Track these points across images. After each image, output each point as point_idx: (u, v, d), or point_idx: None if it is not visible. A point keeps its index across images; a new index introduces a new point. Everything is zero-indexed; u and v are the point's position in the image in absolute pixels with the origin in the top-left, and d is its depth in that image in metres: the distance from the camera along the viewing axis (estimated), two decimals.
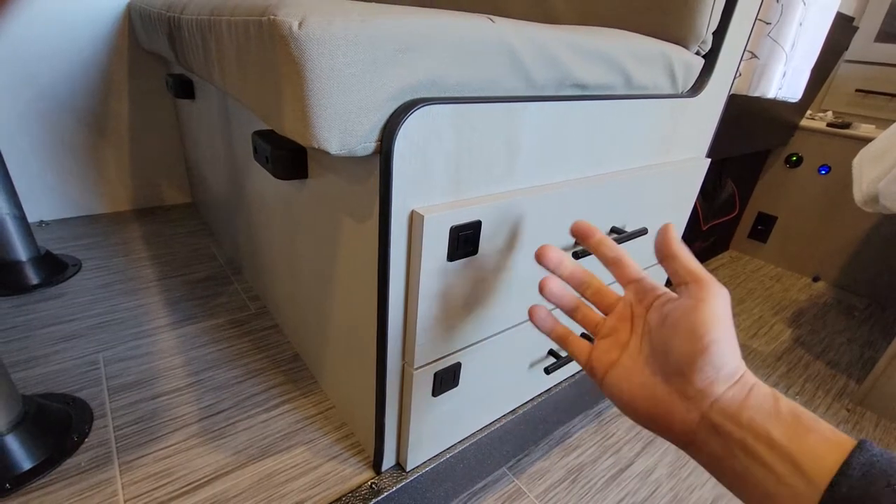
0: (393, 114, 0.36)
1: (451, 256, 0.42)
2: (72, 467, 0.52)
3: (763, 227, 1.67)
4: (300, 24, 0.31)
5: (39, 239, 0.91)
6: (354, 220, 0.45)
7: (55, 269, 0.86)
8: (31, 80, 0.96)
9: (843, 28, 1.34)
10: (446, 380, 0.51)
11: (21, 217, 0.82)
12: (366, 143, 0.36)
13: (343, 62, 0.32)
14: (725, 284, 1.49)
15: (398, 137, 0.35)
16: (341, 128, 0.34)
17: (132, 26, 1.01)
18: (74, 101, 1.02)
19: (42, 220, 1.06)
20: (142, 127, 1.12)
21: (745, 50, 0.68)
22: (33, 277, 0.83)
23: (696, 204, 1.32)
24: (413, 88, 0.36)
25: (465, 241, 0.42)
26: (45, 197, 1.05)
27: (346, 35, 0.31)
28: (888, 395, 1.00)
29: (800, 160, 1.54)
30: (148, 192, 1.19)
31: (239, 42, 0.40)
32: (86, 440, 0.55)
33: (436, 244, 0.41)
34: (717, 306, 0.30)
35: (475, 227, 0.42)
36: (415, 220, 0.40)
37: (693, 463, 0.87)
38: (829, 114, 1.62)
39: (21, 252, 0.82)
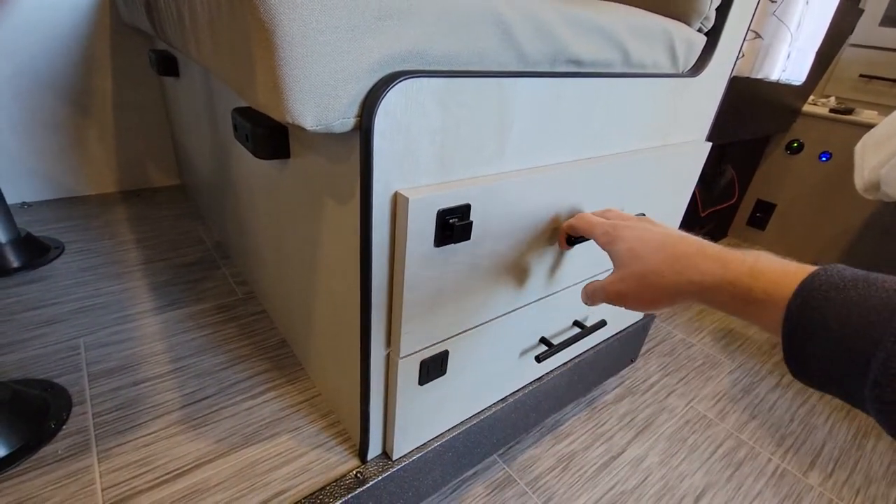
0: (373, 87, 0.33)
1: (439, 241, 0.40)
2: (48, 455, 0.50)
3: (762, 214, 1.65)
4: None
5: (20, 221, 0.89)
6: (336, 201, 0.43)
7: (36, 251, 0.84)
8: (7, 56, 0.92)
9: (848, 10, 1.31)
10: (433, 368, 0.49)
11: None
12: (344, 119, 0.33)
13: (317, 28, 0.29)
14: None
15: (379, 112, 0.33)
16: (317, 101, 0.32)
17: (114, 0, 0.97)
18: (54, 79, 0.98)
19: (24, 202, 1.04)
20: (127, 105, 1.08)
21: (748, 29, 0.65)
22: (13, 260, 0.80)
23: (694, 190, 1.30)
24: (395, 59, 0.34)
25: (453, 225, 0.40)
26: (27, 178, 1.02)
27: None
28: None
29: (801, 147, 1.51)
30: (134, 173, 1.16)
31: (210, 9, 0.38)
32: (63, 427, 0.54)
33: (422, 228, 0.39)
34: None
35: (464, 210, 0.40)
36: (399, 202, 0.38)
37: (684, 452, 0.86)
38: (832, 99, 1.59)
39: (0, 234, 0.80)
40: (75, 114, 1.03)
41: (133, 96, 1.08)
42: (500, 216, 0.44)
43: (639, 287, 0.38)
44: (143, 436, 0.54)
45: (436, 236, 0.40)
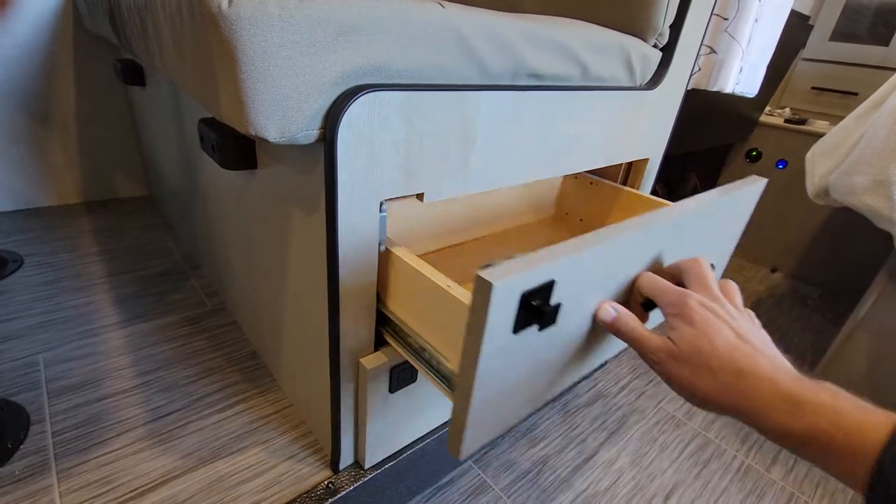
0: (336, 100, 0.34)
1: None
2: (5, 476, 0.49)
3: None
4: (230, 2, 0.29)
5: None
6: (303, 211, 0.43)
7: None
8: None
9: (798, 26, 1.38)
10: (403, 376, 0.50)
11: None
12: (308, 131, 0.34)
13: (277, 43, 0.30)
14: None
15: (342, 125, 0.34)
16: (280, 114, 0.32)
17: (76, 6, 0.95)
18: (14, 86, 0.95)
19: None
20: (91, 114, 1.06)
21: (702, 44, 0.69)
22: None
23: (659, 196, 1.35)
24: (357, 74, 0.35)
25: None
26: None
27: (282, 15, 0.30)
28: (838, 381, 1.05)
29: (759, 155, 1.59)
30: (99, 183, 1.13)
31: (173, 22, 0.38)
32: (21, 447, 0.52)
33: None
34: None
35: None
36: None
37: (654, 452, 0.89)
38: (787, 110, 1.67)
39: None
40: (35, 123, 1.00)
41: (98, 105, 1.06)
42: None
43: (689, 383, 0.32)
44: (106, 453, 0.52)
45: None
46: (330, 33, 0.32)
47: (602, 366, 0.97)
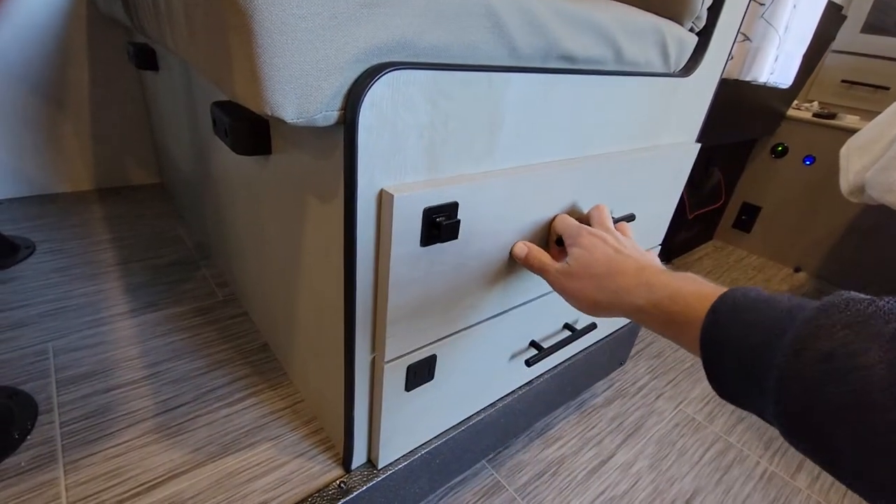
0: (358, 78, 0.32)
1: (425, 241, 0.39)
2: (10, 467, 0.47)
3: (747, 216, 1.67)
4: None
5: None
6: (319, 199, 0.41)
7: (5, 251, 0.80)
8: None
9: (832, 16, 1.33)
10: (420, 373, 0.48)
11: None
12: (327, 112, 0.32)
13: (297, 14, 0.27)
14: (709, 274, 1.49)
15: (363, 105, 0.31)
16: (298, 91, 0.30)
17: None
18: (28, 70, 0.94)
19: None
20: (105, 100, 1.05)
21: (738, 31, 0.65)
22: None
23: (682, 192, 1.30)
24: (381, 50, 0.32)
25: (440, 224, 0.38)
26: None
27: None
28: None
29: (785, 150, 1.53)
30: (112, 170, 1.12)
31: None
32: (28, 437, 0.51)
33: (407, 227, 0.37)
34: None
35: (451, 209, 0.39)
36: (384, 200, 0.36)
37: (673, 455, 0.86)
38: (816, 104, 1.61)
39: None
40: (50, 108, 0.99)
41: (111, 91, 1.05)
42: (489, 215, 0.43)
43: (578, 292, 0.40)
44: (114, 446, 0.51)
45: (422, 235, 0.38)
46: (353, 4, 0.29)
47: (620, 365, 0.94)
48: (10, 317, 0.67)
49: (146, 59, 0.82)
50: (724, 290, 0.31)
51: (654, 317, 0.34)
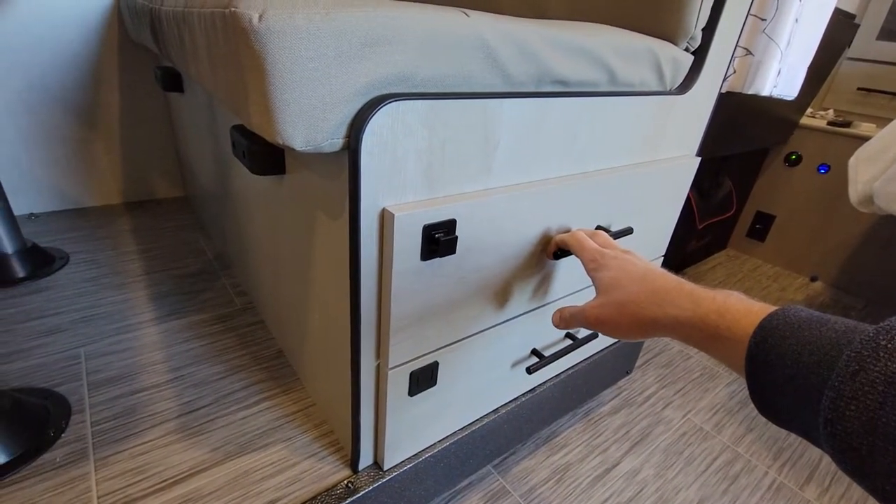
0: (361, 109, 0.35)
1: (425, 256, 0.42)
2: (46, 463, 0.52)
3: (761, 225, 1.66)
4: (260, 17, 0.30)
5: (27, 232, 0.91)
6: (328, 217, 0.44)
7: (42, 262, 0.86)
8: (20, 70, 0.95)
9: (843, 25, 1.32)
10: (423, 379, 0.50)
11: (6, 209, 0.81)
12: (332, 140, 0.35)
13: (305, 56, 0.31)
14: (723, 283, 1.48)
15: (366, 134, 0.34)
16: (306, 123, 0.33)
17: (121, 17, 1.00)
18: (64, 93, 1.01)
19: (32, 213, 1.06)
20: (133, 119, 1.11)
21: (737, 46, 0.67)
22: (19, 270, 0.82)
23: (692, 203, 1.31)
24: (382, 83, 0.35)
25: (438, 240, 0.41)
26: (35, 189, 1.05)
27: (309, 28, 0.30)
28: None
29: (799, 159, 1.52)
30: (139, 185, 1.18)
31: (208, 35, 0.40)
32: (62, 435, 0.55)
33: (408, 243, 0.40)
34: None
35: (449, 225, 0.42)
36: (386, 218, 0.39)
37: (680, 464, 0.86)
38: (831, 112, 1.60)
39: (7, 245, 0.82)
40: (83, 127, 1.06)
41: (140, 111, 1.11)
42: (486, 231, 0.46)
43: (617, 315, 0.40)
44: (140, 444, 0.55)
45: (422, 250, 0.41)
46: (355, 45, 0.33)
47: (626, 374, 0.95)
48: (46, 323, 0.72)
49: (172, 81, 0.88)
50: (772, 307, 0.30)
51: (697, 330, 0.34)
